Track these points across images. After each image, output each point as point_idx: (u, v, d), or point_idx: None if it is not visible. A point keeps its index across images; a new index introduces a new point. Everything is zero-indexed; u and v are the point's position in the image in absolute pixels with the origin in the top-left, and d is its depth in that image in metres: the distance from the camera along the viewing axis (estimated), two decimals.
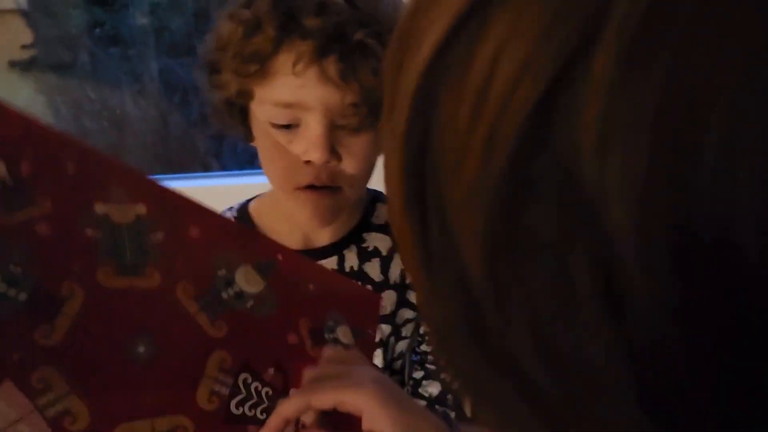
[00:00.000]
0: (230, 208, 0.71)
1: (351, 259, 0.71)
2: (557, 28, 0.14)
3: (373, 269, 0.71)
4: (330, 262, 0.69)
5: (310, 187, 0.59)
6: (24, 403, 0.33)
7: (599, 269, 0.14)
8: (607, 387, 0.15)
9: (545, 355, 0.16)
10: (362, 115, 0.57)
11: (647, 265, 0.13)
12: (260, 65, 0.56)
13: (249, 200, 0.72)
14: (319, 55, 0.55)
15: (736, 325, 0.13)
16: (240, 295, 0.43)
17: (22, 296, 0.35)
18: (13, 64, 1.75)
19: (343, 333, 0.47)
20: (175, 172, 1.61)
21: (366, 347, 0.50)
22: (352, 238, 0.71)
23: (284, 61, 0.55)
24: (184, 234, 0.42)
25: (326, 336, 0.47)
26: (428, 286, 0.19)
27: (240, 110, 0.61)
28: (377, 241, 0.72)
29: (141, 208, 0.41)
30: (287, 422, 0.41)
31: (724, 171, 0.12)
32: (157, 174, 1.50)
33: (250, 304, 0.43)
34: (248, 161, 1.66)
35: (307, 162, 0.58)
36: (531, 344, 0.16)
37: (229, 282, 0.43)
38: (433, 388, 0.77)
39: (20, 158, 0.37)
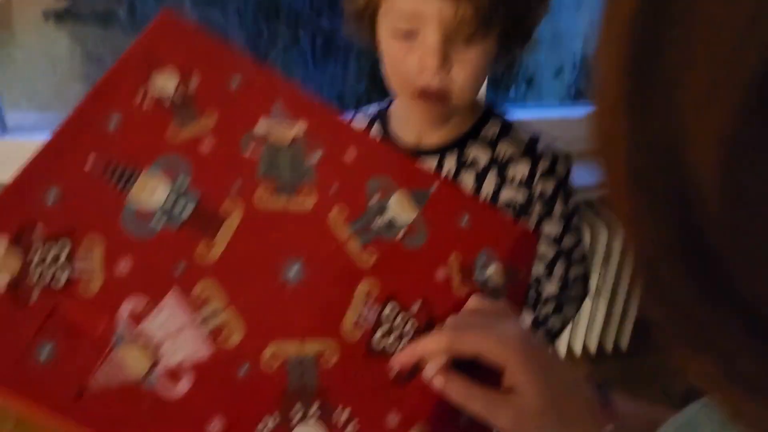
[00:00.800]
0: (377, 103, 0.82)
1: (449, 164, 0.78)
2: None
3: (467, 179, 0.78)
4: (431, 163, 0.76)
5: (424, 94, 0.67)
6: (186, 314, 0.34)
7: None
8: None
9: None
10: (474, 28, 0.63)
11: None
12: None
13: (393, 100, 0.81)
14: None
15: None
16: (391, 225, 0.42)
17: (189, 208, 0.36)
18: (47, 15, 1.76)
19: (496, 271, 0.46)
20: None
21: (518, 288, 0.48)
22: (457, 144, 0.78)
23: None
24: (341, 156, 0.42)
25: (476, 274, 0.45)
26: (637, 201, 0.17)
27: (369, 21, 0.68)
28: (479, 153, 0.78)
29: (301, 126, 0.42)
30: (421, 359, 0.39)
31: None
32: None
33: (400, 234, 0.43)
34: None
35: (422, 69, 0.65)
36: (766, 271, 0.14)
37: (382, 209, 0.42)
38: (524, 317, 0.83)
39: (192, 73, 0.39)
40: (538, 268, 0.85)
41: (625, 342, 1.78)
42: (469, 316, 0.42)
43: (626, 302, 1.72)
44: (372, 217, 0.43)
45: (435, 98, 0.67)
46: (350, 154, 0.43)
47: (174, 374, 0.32)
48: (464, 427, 0.40)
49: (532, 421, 0.38)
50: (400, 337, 0.40)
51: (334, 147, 0.43)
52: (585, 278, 0.87)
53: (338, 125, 0.44)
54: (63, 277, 0.32)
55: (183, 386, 0.33)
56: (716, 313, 0.15)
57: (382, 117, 0.80)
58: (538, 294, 0.86)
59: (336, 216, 0.41)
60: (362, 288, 0.40)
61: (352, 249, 0.41)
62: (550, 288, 0.85)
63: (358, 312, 0.39)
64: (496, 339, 0.38)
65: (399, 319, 0.41)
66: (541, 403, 0.38)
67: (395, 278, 0.42)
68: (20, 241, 0.31)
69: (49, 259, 0.32)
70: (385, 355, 0.39)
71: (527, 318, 0.84)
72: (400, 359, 0.40)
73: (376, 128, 0.79)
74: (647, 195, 0.16)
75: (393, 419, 0.38)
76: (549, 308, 0.85)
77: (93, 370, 0.31)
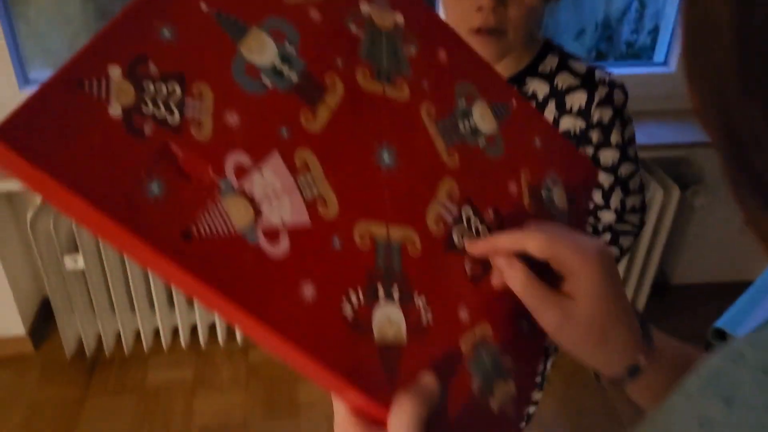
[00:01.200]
0: None
1: None
2: None
3: None
4: None
5: (481, 31, 0.71)
6: (287, 177, 0.34)
7: None
8: None
9: None
10: None
11: None
12: None
13: None
14: None
15: None
16: (475, 131, 0.43)
17: (293, 76, 0.36)
18: None
19: (559, 196, 0.47)
20: None
21: (578, 218, 0.48)
22: (516, 79, 0.81)
23: None
24: (434, 54, 0.43)
25: (544, 195, 0.46)
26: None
27: None
28: (537, 86, 0.81)
29: (399, 17, 0.42)
30: (496, 253, 0.40)
31: None
32: None
33: (482, 142, 0.43)
34: None
35: (479, 8, 0.69)
36: None
37: (467, 114, 0.43)
38: None
39: None
40: (596, 197, 0.85)
41: (641, 304, 1.78)
42: (548, 224, 0.42)
43: (644, 265, 1.72)
44: (458, 120, 0.43)
45: (492, 35, 0.71)
46: (442, 54, 0.44)
47: (274, 234, 0.33)
48: (525, 333, 0.41)
49: (575, 330, 0.38)
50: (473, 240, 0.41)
51: (429, 44, 0.43)
52: (642, 209, 0.87)
53: (434, 22, 0.45)
54: (175, 117, 0.31)
55: (282, 247, 0.32)
56: None
57: None
58: (595, 223, 0.87)
59: (426, 112, 0.42)
60: (444, 185, 0.41)
61: (439, 147, 0.41)
62: (607, 217, 0.85)
63: (439, 207, 0.40)
64: (575, 246, 0.38)
65: (473, 222, 0.41)
66: (590, 316, 0.38)
67: (474, 183, 0.42)
68: (134, 73, 0.31)
69: (161, 96, 0.31)
70: (461, 253, 0.40)
71: None
72: (477, 248, 0.40)
73: None
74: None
75: (463, 314, 0.38)
76: (606, 238, 0.86)
77: (200, 214, 0.30)
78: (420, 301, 0.37)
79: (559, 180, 0.47)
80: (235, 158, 0.33)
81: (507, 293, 0.40)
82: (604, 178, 0.84)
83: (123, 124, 0.29)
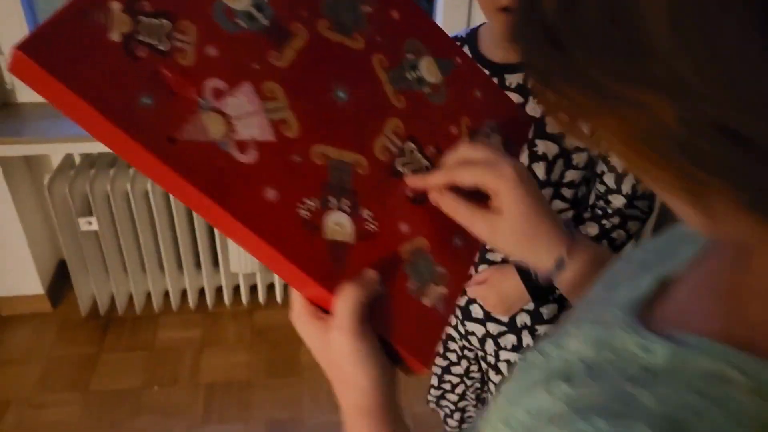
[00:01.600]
0: (465, 28, 0.92)
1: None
2: None
3: None
4: (516, 78, 0.84)
5: (507, 9, 0.75)
6: (256, 102, 0.40)
7: None
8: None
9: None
10: None
11: None
12: None
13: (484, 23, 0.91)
14: None
15: None
16: (420, 80, 0.50)
17: (264, 21, 0.43)
18: None
19: (495, 141, 0.53)
20: None
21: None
22: None
23: None
24: (387, 13, 0.50)
25: (481, 138, 0.52)
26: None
27: None
28: None
29: None
30: (430, 188, 0.46)
31: None
32: None
33: (426, 90, 0.50)
34: None
35: None
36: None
37: (414, 66, 0.50)
38: (591, 229, 0.89)
39: None
40: (609, 181, 0.88)
41: None
42: (476, 150, 0.47)
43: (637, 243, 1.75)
44: (405, 71, 0.50)
45: None
46: (395, 14, 0.50)
47: (244, 145, 0.39)
48: (457, 248, 0.47)
49: (503, 238, 0.46)
50: (416, 170, 0.47)
51: (383, 4, 0.50)
52: (651, 196, 0.89)
53: None
54: (165, 46, 0.38)
55: (251, 156, 0.39)
56: (548, 59, 0.24)
57: (470, 39, 0.89)
58: (605, 206, 0.89)
59: (377, 61, 0.48)
60: (390, 123, 0.47)
61: (388, 91, 0.48)
62: (617, 201, 0.88)
63: (385, 140, 0.46)
64: (493, 172, 0.45)
65: (416, 156, 0.48)
66: (513, 226, 0.45)
67: (417, 123, 0.49)
68: (131, 8, 0.37)
69: (154, 28, 0.38)
70: (403, 180, 0.47)
71: (592, 230, 0.88)
72: (412, 182, 0.47)
73: (464, 50, 0.86)
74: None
75: (403, 228, 0.45)
76: (614, 221, 0.89)
77: (183, 124, 0.37)
78: (366, 214, 0.43)
79: (497, 127, 0.53)
80: (213, 83, 0.39)
81: (442, 215, 0.46)
82: (617, 161, 0.86)
83: (122, 48, 0.36)
